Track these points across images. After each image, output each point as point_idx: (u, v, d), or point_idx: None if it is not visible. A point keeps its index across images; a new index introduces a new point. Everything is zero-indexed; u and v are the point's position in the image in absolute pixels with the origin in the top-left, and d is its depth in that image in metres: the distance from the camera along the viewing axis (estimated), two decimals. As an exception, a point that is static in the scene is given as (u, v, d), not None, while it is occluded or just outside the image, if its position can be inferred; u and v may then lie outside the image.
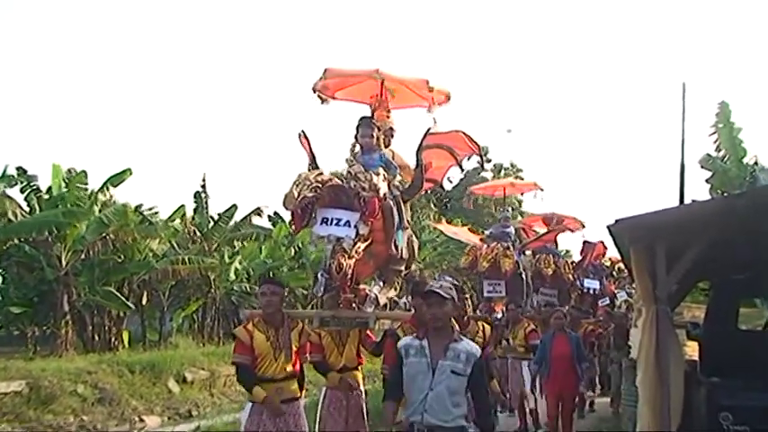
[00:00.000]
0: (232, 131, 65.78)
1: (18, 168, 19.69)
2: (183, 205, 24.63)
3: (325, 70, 7.22)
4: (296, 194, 6.13)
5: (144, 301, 23.46)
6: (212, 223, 25.14)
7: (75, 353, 18.79)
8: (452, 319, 5.12)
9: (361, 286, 6.99)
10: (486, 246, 12.81)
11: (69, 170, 20.79)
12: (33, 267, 19.97)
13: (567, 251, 15.64)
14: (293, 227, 6.79)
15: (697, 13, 77.87)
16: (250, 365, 6.03)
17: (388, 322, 6.98)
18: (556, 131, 73.30)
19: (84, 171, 20.67)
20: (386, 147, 7.29)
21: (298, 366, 6.23)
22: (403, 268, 7.19)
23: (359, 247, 6.44)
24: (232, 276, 24.77)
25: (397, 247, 6.87)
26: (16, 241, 19.07)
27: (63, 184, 20.26)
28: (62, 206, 19.46)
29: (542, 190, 14.99)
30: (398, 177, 7.27)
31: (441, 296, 4.87)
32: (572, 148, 75.40)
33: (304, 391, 6.52)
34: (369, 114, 7.37)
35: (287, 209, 6.37)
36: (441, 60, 69.19)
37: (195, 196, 25.09)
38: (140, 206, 23.91)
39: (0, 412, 12.52)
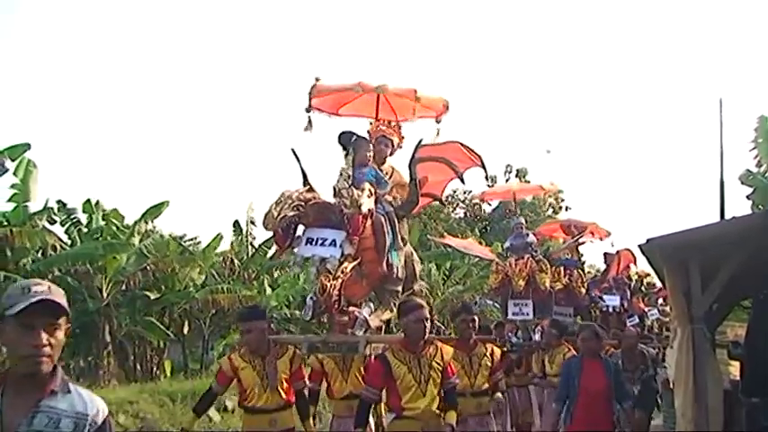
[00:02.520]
0: (271, 163, 66.25)
1: (58, 202, 20.13)
2: (219, 234, 24.86)
3: (313, 86, 6.86)
4: (275, 214, 5.85)
5: (185, 331, 23.67)
6: (252, 252, 25.33)
7: (118, 383, 18.94)
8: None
9: (351, 308, 6.68)
10: (513, 260, 11.24)
11: (101, 207, 21.21)
12: (75, 299, 20.22)
13: (583, 261, 13.49)
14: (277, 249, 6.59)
15: (733, 29, 77.02)
16: (215, 393, 6.16)
17: (381, 346, 6.44)
18: (595, 151, 72.54)
19: (116, 209, 21.29)
20: (381, 163, 7.03)
21: (291, 396, 6.05)
22: (399, 288, 6.80)
23: (345, 268, 6.11)
24: (273, 303, 24.88)
25: (390, 267, 6.55)
26: (57, 273, 19.33)
27: (101, 218, 20.63)
28: (101, 239, 19.78)
29: (551, 191, 14.22)
30: (394, 194, 6.97)
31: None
32: (611, 168, 74.51)
33: (313, 420, 6.37)
34: (367, 128, 7.15)
35: (267, 229, 6.06)
36: (481, 82, 69.16)
37: (234, 225, 25.33)
38: (183, 236, 24.17)
39: (43, 444, 12.59)
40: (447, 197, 39.17)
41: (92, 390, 10.39)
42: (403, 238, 6.86)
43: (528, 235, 11.71)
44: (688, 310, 5.55)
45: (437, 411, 5.46)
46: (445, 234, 13.93)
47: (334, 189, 6.26)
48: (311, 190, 6.14)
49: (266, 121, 70.99)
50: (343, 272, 6.06)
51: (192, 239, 25.59)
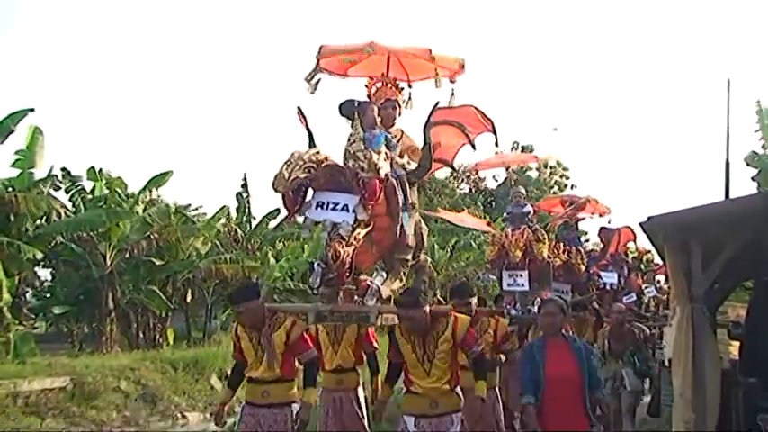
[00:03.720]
0: (275, 131, 66.10)
1: (63, 169, 20.12)
2: (225, 206, 24.87)
3: (321, 48, 6.50)
4: (287, 175, 5.44)
5: (188, 300, 23.75)
6: (255, 223, 25.36)
7: (120, 350, 19.08)
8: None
9: (362, 277, 6.44)
10: (510, 231, 10.77)
11: (108, 175, 21.22)
12: (79, 266, 20.39)
13: (584, 238, 13.04)
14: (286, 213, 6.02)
15: (743, 8, 76.36)
16: (240, 364, 5.94)
17: (391, 317, 6.03)
18: (602, 130, 72.21)
19: (119, 177, 21.35)
20: (390, 126, 6.63)
21: (288, 369, 5.79)
22: (410, 257, 6.47)
23: (358, 234, 5.79)
24: (276, 274, 24.90)
25: (402, 234, 6.21)
26: (62, 240, 19.37)
27: (104, 186, 20.69)
28: (105, 206, 19.82)
29: (546, 160, 13.75)
30: (405, 159, 6.58)
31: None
32: (617, 147, 74.36)
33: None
34: (366, 93, 6.73)
35: (276, 191, 5.57)
36: (489, 59, 68.72)
37: (237, 197, 25.36)
38: (188, 206, 24.20)
39: (45, 408, 12.72)
40: (452, 172, 39.05)
41: (94, 356, 10.47)
42: (413, 205, 6.51)
43: (525, 205, 11.27)
44: (688, 289, 5.52)
45: (447, 388, 5.43)
46: (439, 209, 13.28)
47: (347, 152, 5.93)
48: (320, 152, 5.80)
49: (271, 93, 70.81)
50: (356, 238, 5.78)
51: (196, 209, 25.69)
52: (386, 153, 6.04)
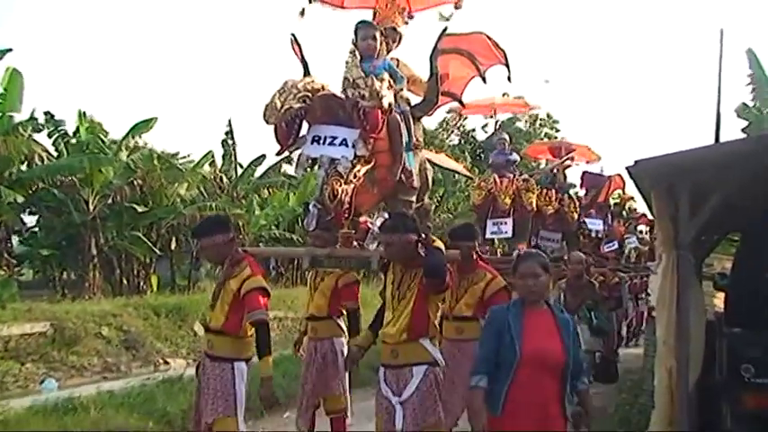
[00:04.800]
0: (261, 76, 65.39)
1: (46, 113, 19.81)
2: (210, 151, 24.63)
3: None
4: (279, 105, 4.90)
5: (173, 247, 23.62)
6: (240, 171, 25.15)
7: (104, 297, 18.96)
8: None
9: (362, 219, 5.90)
10: (496, 177, 10.35)
11: (91, 120, 20.85)
12: (61, 212, 20.16)
13: (571, 184, 12.76)
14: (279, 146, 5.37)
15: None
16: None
17: None
18: (593, 81, 71.77)
19: (100, 123, 21.00)
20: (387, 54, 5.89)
21: (232, 324, 5.09)
22: (414, 199, 5.81)
23: (358, 171, 5.20)
24: (262, 222, 24.77)
25: (406, 174, 5.59)
26: (44, 185, 19.13)
27: (87, 131, 20.39)
28: (88, 152, 19.54)
29: (535, 108, 13.37)
30: (406, 92, 5.93)
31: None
32: (609, 99, 74.00)
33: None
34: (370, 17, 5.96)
35: (267, 123, 4.99)
36: (479, 10, 67.80)
37: (223, 144, 25.11)
38: (176, 154, 23.93)
39: (24, 353, 12.60)
40: (442, 123, 38.79)
41: (77, 302, 10.19)
42: (418, 142, 5.96)
43: (511, 153, 10.99)
44: (674, 235, 5.34)
45: (405, 337, 4.83)
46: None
47: (346, 80, 5.30)
48: (316, 81, 5.23)
49: (258, 36, 69.88)
50: (356, 176, 5.20)
51: (184, 157, 25.41)
52: (389, 82, 5.44)
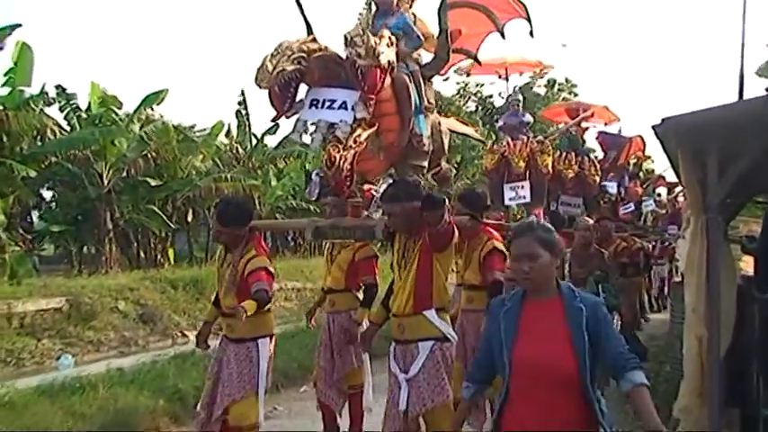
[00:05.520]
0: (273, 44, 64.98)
1: (57, 87, 19.67)
2: (220, 121, 24.40)
3: None
4: (271, 68, 4.61)
5: (189, 219, 23.53)
6: (255, 142, 24.95)
7: (121, 271, 18.89)
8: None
9: (366, 186, 5.62)
10: (509, 140, 9.91)
11: (103, 92, 20.66)
12: (76, 186, 20.09)
13: (593, 150, 12.29)
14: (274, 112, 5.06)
15: None
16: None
17: None
18: (612, 45, 70.83)
19: (113, 96, 20.72)
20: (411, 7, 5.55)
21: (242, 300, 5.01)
22: (425, 164, 5.51)
23: (359, 136, 4.90)
24: (278, 193, 24.60)
25: (415, 137, 5.29)
26: (57, 159, 19.02)
27: (99, 104, 20.22)
28: (100, 125, 19.38)
29: (549, 68, 12.60)
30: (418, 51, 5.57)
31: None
32: (628, 62, 72.94)
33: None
34: None
35: (260, 87, 4.71)
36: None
37: (237, 114, 24.87)
38: (193, 126, 23.75)
39: (40, 328, 12.51)
40: (459, 90, 38.41)
41: (93, 277, 10.08)
42: (430, 103, 5.63)
43: (524, 114, 10.42)
44: (703, 198, 5.08)
45: (410, 310, 4.62)
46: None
47: (346, 38, 4.94)
48: (316, 41, 4.94)
49: (271, 4, 69.33)
50: (356, 141, 4.92)
51: (192, 127, 25.21)
52: (390, 38, 5.08)
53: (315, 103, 4.93)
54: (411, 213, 4.57)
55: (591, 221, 7.91)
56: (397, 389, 4.63)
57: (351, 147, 4.89)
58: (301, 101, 4.95)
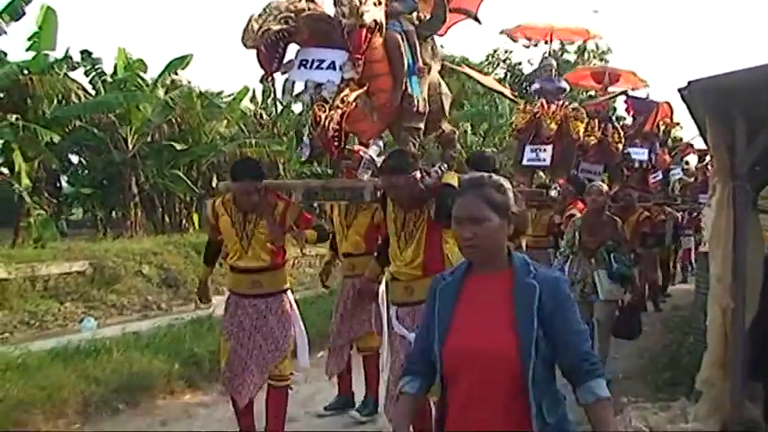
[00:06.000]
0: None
1: (82, 52, 19.53)
2: (246, 87, 24.25)
3: None
4: (256, 27, 4.52)
5: (214, 185, 23.51)
6: (281, 108, 24.81)
7: (146, 235, 18.96)
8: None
9: (356, 147, 5.67)
10: (544, 101, 9.57)
11: (129, 57, 20.58)
12: (101, 150, 20.12)
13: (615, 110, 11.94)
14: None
15: None
16: (215, 242, 5.50)
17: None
18: (644, 10, 69.56)
19: (140, 59, 20.60)
20: None
21: (281, 256, 5.29)
22: (421, 125, 5.40)
23: (347, 96, 4.83)
24: (302, 159, 24.49)
25: (409, 98, 5.17)
26: (81, 124, 19.03)
27: (124, 68, 20.17)
28: (125, 89, 19.33)
29: (596, 37, 12.46)
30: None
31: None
32: (659, 29, 71.67)
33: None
34: None
35: (246, 47, 4.61)
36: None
37: (262, 80, 24.68)
38: (221, 93, 23.67)
39: (64, 292, 12.61)
40: (488, 56, 38.07)
41: (118, 241, 10.13)
42: (426, 64, 5.48)
43: (561, 80, 10.18)
44: (730, 165, 4.89)
45: (420, 273, 4.63)
46: (462, 64, 11.18)
47: None
48: (306, 1, 4.83)
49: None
50: (343, 101, 4.85)
51: (220, 94, 25.09)
52: None
53: (304, 63, 4.87)
54: (414, 185, 4.59)
55: (606, 187, 7.60)
56: (404, 348, 4.59)
57: (337, 107, 4.83)
58: (291, 61, 4.90)
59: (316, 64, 4.84)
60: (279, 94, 5.20)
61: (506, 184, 2.59)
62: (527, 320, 2.36)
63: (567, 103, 9.76)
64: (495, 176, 2.63)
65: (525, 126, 9.57)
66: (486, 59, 38.74)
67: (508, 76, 43.26)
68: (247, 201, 5.08)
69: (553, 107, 9.50)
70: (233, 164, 5.93)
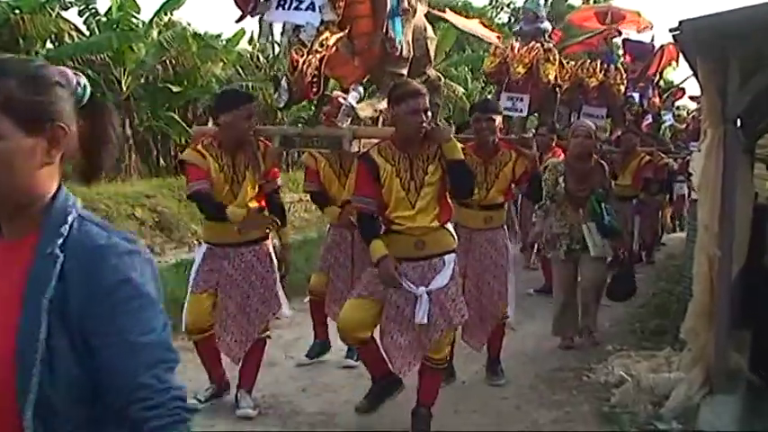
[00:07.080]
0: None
1: (75, -9, 19.22)
2: (242, 29, 23.87)
3: None
4: None
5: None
6: (278, 50, 24.46)
7: (141, 178, 18.83)
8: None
9: (335, 93, 5.38)
10: (515, 44, 9.28)
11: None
12: (94, 92, 19.65)
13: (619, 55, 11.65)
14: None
15: None
16: (211, 192, 4.82)
17: (372, 142, 4.83)
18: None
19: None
20: None
21: (263, 200, 5.02)
22: (404, 71, 5.23)
23: (326, 40, 4.63)
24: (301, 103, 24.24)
25: (392, 41, 5.02)
26: (74, 64, 18.76)
27: (118, 8, 19.84)
28: (118, 29, 19.03)
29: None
30: None
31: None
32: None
33: (289, 228, 5.36)
34: None
35: None
36: None
37: (259, 21, 24.32)
38: (220, 35, 23.39)
39: (56, 236, 12.53)
40: (491, 0, 37.72)
41: (112, 183, 9.95)
42: (411, 5, 5.32)
43: (543, 21, 9.71)
44: (722, 108, 4.74)
45: (435, 224, 4.41)
46: (446, 9, 10.99)
47: None
48: None
49: None
50: (322, 44, 4.67)
51: (219, 36, 24.75)
52: None
53: (282, 3, 4.70)
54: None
55: (593, 126, 6.85)
56: (409, 305, 4.37)
57: (316, 51, 4.66)
58: (269, 1, 4.72)
59: (294, 4, 4.67)
60: (259, 38, 5.06)
61: (62, 74, 1.60)
62: (34, 311, 1.42)
63: (541, 45, 9.37)
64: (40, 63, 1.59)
65: (495, 70, 9.34)
66: (490, 3, 38.35)
67: (511, 20, 42.80)
68: (241, 131, 4.76)
69: (523, 49, 9.17)
70: (221, 96, 5.57)
